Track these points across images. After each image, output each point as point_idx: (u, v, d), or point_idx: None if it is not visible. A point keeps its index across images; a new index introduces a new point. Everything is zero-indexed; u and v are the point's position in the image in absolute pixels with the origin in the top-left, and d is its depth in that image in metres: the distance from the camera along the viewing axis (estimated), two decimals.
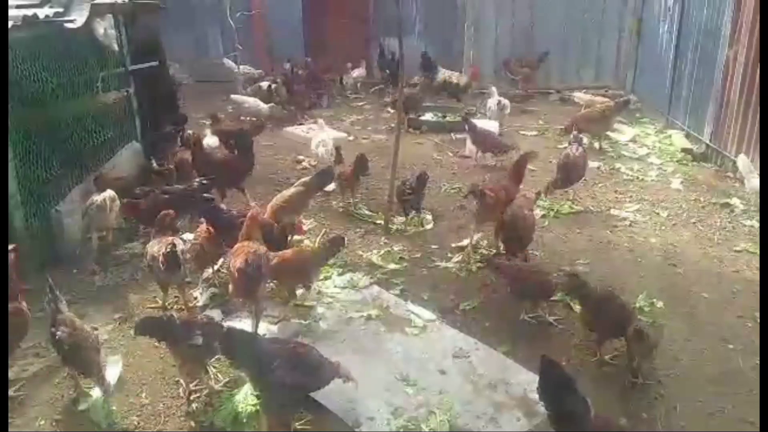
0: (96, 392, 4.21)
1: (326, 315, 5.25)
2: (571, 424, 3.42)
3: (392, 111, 10.69)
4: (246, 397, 4.19)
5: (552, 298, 5.22)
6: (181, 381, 4.32)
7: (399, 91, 7.29)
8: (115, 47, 7.87)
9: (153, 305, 5.34)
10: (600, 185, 8.18)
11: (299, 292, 5.31)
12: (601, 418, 3.49)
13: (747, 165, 7.54)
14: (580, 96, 11.60)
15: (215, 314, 5.13)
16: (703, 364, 4.66)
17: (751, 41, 8.09)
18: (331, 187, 8.03)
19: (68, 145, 6.68)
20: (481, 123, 9.79)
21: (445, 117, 11.24)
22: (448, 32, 13.83)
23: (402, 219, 7.00)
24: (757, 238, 6.58)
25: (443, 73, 12.21)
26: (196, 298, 5.45)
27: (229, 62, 13.15)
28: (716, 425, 4.08)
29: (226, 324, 4.51)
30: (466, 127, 9.15)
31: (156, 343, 4.54)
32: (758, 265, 6.09)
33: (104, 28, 7.62)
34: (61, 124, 6.59)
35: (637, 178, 8.51)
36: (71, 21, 6.47)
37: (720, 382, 4.47)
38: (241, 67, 12.96)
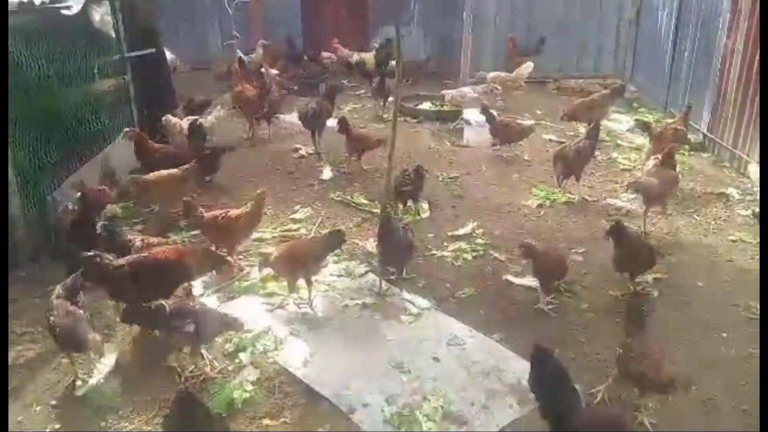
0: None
1: (322, 303, 5.27)
2: (561, 414, 3.41)
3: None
4: (241, 384, 4.23)
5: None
6: (177, 367, 4.34)
7: (397, 79, 7.25)
8: (112, 34, 7.84)
9: None
10: (596, 174, 8.19)
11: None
12: (592, 409, 3.50)
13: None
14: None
15: (211, 300, 5.17)
16: (697, 352, 4.69)
17: (749, 29, 8.07)
18: (328, 175, 8.08)
19: (64, 132, 6.67)
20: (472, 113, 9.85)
21: (443, 107, 11.22)
22: (448, 21, 13.76)
23: (398, 208, 6.99)
24: (753, 228, 6.62)
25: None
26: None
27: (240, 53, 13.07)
28: (708, 413, 4.11)
29: None
30: (485, 118, 9.11)
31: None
32: (753, 254, 6.13)
33: (101, 14, 7.60)
34: (57, 111, 6.58)
35: (634, 167, 8.51)
36: (67, 7, 6.47)
37: (713, 370, 4.50)
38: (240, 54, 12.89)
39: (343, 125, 8.21)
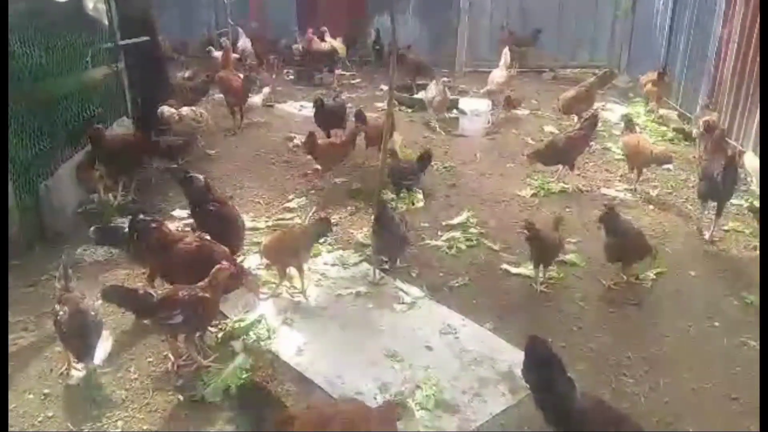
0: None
1: (315, 292, 5.27)
2: (556, 404, 3.41)
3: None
4: (235, 372, 4.23)
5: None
6: (170, 356, 4.34)
7: (391, 69, 7.22)
8: (105, 22, 7.78)
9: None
10: (590, 164, 8.20)
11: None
12: (587, 397, 3.50)
13: (754, 164, 7.09)
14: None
15: None
16: (688, 341, 4.72)
17: (745, 19, 8.06)
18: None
19: (57, 120, 6.64)
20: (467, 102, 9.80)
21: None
22: (444, 10, 13.72)
23: (391, 196, 6.99)
24: (746, 218, 6.65)
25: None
26: None
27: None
28: (700, 401, 4.13)
29: None
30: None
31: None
32: (746, 244, 6.17)
33: (93, 2, 7.53)
34: (50, 99, 6.54)
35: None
36: None
37: (704, 358, 4.53)
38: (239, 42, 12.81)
39: (361, 117, 8.08)
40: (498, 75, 10.31)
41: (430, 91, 9.60)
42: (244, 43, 12.40)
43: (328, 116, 8.47)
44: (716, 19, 8.81)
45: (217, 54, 10.86)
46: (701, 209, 6.49)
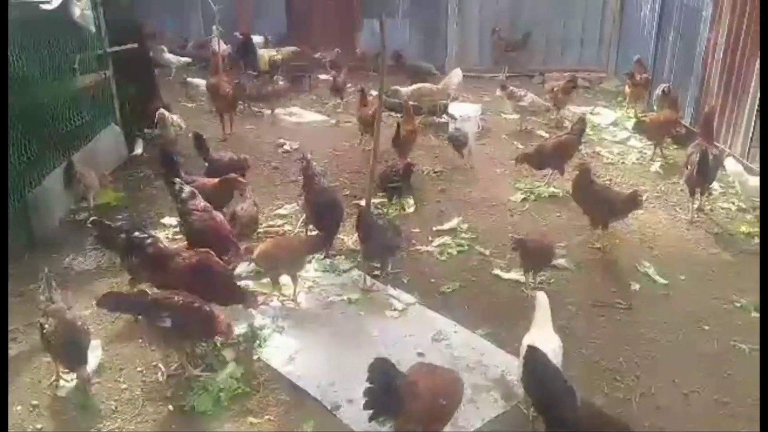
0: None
1: (307, 299, 5.25)
2: (557, 411, 3.40)
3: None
4: (226, 381, 4.21)
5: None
6: (160, 365, 4.31)
7: (381, 74, 7.21)
8: (93, 29, 7.74)
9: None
10: None
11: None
12: (586, 405, 3.49)
13: (737, 169, 7.04)
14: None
15: None
16: (679, 346, 4.73)
17: (731, 23, 8.12)
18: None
19: (45, 128, 6.59)
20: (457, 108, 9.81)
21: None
22: (433, 14, 13.74)
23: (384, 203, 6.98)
24: (734, 221, 6.70)
25: None
26: None
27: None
28: (691, 406, 4.14)
29: None
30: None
31: (133, 326, 4.55)
32: (735, 247, 6.20)
33: (81, 9, 7.49)
34: (38, 106, 6.49)
35: (618, 161, 8.56)
36: (47, 2, 6.38)
37: (695, 363, 4.54)
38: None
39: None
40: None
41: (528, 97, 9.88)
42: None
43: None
44: (703, 22, 8.86)
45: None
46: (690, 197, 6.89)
